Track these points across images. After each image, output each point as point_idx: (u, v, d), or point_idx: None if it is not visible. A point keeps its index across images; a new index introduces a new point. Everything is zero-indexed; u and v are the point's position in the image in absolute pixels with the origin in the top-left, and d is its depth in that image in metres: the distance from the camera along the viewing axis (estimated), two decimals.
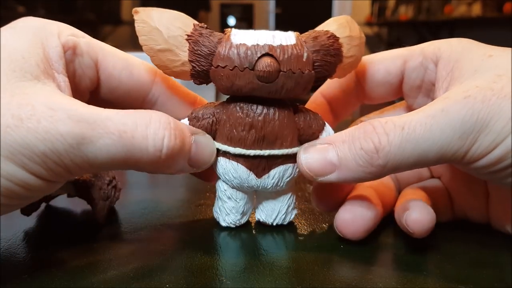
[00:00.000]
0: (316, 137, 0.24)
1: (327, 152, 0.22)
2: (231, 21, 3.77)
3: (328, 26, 0.23)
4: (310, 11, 3.52)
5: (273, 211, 0.26)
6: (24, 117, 0.18)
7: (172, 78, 0.25)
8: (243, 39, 0.22)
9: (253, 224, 0.27)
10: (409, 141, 0.20)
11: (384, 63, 0.27)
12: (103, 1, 2.95)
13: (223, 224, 0.26)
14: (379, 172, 0.21)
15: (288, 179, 0.24)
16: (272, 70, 0.21)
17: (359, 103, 0.30)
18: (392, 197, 0.28)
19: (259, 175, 0.24)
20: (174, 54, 0.22)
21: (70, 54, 0.22)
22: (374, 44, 3.18)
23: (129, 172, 0.39)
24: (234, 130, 0.23)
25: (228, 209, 0.26)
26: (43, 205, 0.29)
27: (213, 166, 0.25)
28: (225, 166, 0.24)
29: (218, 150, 0.24)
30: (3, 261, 0.22)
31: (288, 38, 0.22)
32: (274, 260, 0.22)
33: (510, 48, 0.22)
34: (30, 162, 0.18)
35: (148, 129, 0.20)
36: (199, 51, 0.22)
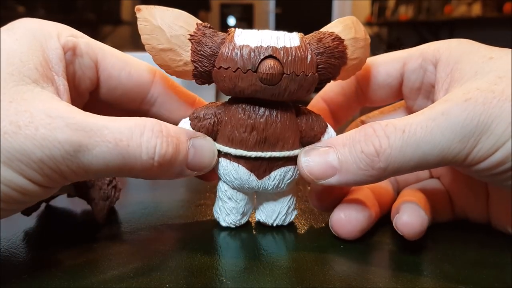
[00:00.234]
0: (318, 139, 0.24)
1: (328, 155, 0.22)
2: (231, 21, 3.77)
3: (333, 27, 0.23)
4: (310, 11, 3.52)
5: (273, 212, 0.26)
6: (22, 124, 0.18)
7: (172, 78, 0.25)
8: (247, 40, 0.22)
9: (253, 224, 0.27)
10: (410, 144, 0.20)
11: (384, 66, 0.27)
12: (103, 1, 2.95)
13: (223, 224, 0.26)
14: (380, 175, 0.21)
15: (289, 181, 0.24)
16: (275, 73, 0.21)
17: (360, 106, 0.30)
18: (389, 198, 0.28)
19: (260, 176, 0.24)
20: (176, 54, 0.22)
21: (70, 55, 0.22)
22: (374, 44, 3.18)
23: None
24: (236, 132, 0.23)
25: (228, 210, 0.26)
26: (43, 205, 0.29)
27: (214, 167, 0.25)
28: (226, 167, 0.24)
29: (219, 151, 0.24)
30: (3, 261, 0.22)
31: (292, 39, 0.22)
32: (274, 260, 0.22)
33: (510, 50, 0.22)
34: (27, 168, 0.18)
35: (142, 138, 0.20)
36: (202, 52, 0.22)
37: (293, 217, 0.27)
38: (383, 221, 0.27)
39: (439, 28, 2.96)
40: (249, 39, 0.22)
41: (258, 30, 0.22)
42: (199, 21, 0.23)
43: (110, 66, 0.24)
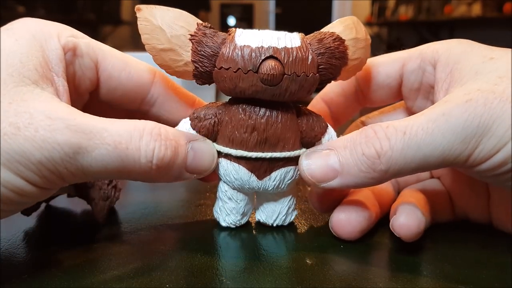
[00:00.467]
0: (319, 139, 0.24)
1: (329, 158, 0.22)
2: (231, 21, 3.77)
3: (334, 27, 0.23)
4: (310, 11, 3.52)
5: (274, 212, 0.26)
6: (21, 125, 0.18)
7: (172, 79, 0.25)
8: (248, 40, 0.22)
9: (253, 224, 0.27)
10: (411, 146, 0.20)
11: (383, 67, 0.27)
12: (103, 1, 2.95)
13: (223, 224, 0.26)
14: (381, 177, 0.21)
15: (289, 181, 0.24)
16: (276, 73, 0.21)
17: (360, 107, 0.30)
18: (389, 198, 0.28)
19: (260, 177, 0.24)
20: (177, 54, 0.22)
21: (70, 56, 0.22)
22: (374, 44, 3.17)
23: None
24: (236, 132, 0.23)
25: (228, 210, 0.26)
26: (43, 205, 0.29)
27: (216, 167, 0.25)
28: (226, 167, 0.24)
29: (219, 151, 0.24)
30: (3, 261, 0.22)
31: (293, 40, 0.22)
32: (274, 260, 0.22)
33: (511, 50, 0.22)
34: (25, 170, 0.18)
35: (141, 141, 0.20)
36: (202, 52, 0.22)
37: (293, 217, 0.27)
38: (383, 222, 0.27)
39: (439, 28, 2.96)
40: (250, 40, 0.22)
41: (259, 30, 0.22)
42: (200, 21, 0.23)
43: (110, 66, 0.24)
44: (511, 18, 2.33)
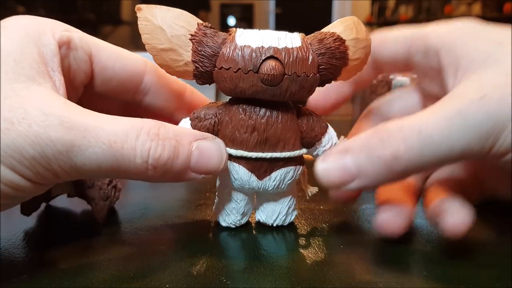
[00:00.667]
0: (319, 139, 0.24)
1: (345, 162, 0.21)
2: (231, 21, 3.77)
3: (334, 27, 0.23)
4: (310, 11, 3.52)
5: (274, 212, 0.26)
6: (15, 120, 0.18)
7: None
8: (248, 40, 0.22)
9: (253, 224, 0.27)
10: (428, 145, 0.20)
11: (391, 44, 0.27)
12: (103, 1, 2.95)
13: (223, 224, 0.26)
14: (400, 177, 0.21)
15: (289, 181, 0.24)
16: (276, 74, 0.21)
17: (377, 73, 0.30)
18: (415, 187, 0.27)
19: (260, 177, 0.24)
20: (177, 54, 0.22)
21: (65, 49, 0.22)
22: None
23: None
24: (237, 132, 0.23)
25: (228, 210, 0.26)
26: (43, 205, 0.29)
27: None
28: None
29: None
30: (3, 261, 0.22)
31: (293, 40, 0.22)
32: (274, 260, 0.22)
33: None
34: (19, 164, 0.18)
35: (137, 141, 0.20)
36: (202, 52, 0.22)
37: (293, 217, 0.27)
38: None
39: None
40: (250, 40, 0.22)
41: (259, 30, 0.22)
42: (200, 21, 0.23)
43: (105, 58, 0.24)
44: (511, 18, 2.33)
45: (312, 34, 0.23)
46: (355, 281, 0.20)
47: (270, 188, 0.24)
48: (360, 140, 0.22)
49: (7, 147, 0.18)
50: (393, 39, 0.27)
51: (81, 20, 2.63)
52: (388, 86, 0.55)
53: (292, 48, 0.22)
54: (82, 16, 2.72)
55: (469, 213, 0.22)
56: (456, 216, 0.22)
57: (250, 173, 0.24)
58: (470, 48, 0.22)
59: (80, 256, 0.22)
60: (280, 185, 0.24)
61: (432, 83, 0.26)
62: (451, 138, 0.19)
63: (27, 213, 0.27)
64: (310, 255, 0.23)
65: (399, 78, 0.54)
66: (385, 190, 0.26)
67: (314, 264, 0.22)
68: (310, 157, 0.26)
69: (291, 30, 0.23)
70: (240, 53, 0.21)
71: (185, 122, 0.24)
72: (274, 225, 0.26)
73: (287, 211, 0.26)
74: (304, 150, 0.24)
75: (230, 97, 0.24)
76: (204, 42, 0.22)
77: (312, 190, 0.28)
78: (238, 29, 0.23)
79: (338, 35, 0.23)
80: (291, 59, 0.21)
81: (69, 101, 0.20)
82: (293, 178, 0.24)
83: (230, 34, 0.22)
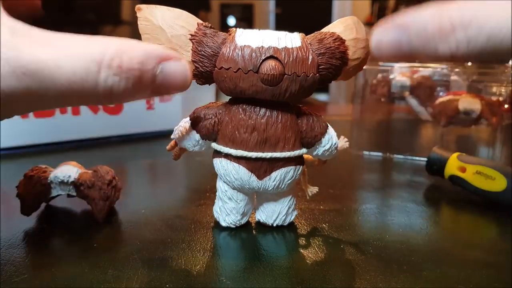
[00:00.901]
0: (319, 140, 0.24)
1: (401, 41, 0.19)
2: (231, 21, 3.77)
3: (334, 27, 0.23)
4: (310, 11, 3.52)
5: (274, 212, 0.26)
6: None
7: None
8: (248, 40, 0.22)
9: (253, 224, 0.27)
10: (492, 49, 0.17)
11: None
12: (103, 1, 2.95)
13: (223, 224, 0.26)
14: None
15: (289, 181, 0.24)
16: (276, 74, 0.21)
17: None
18: None
19: (260, 177, 0.24)
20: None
21: None
22: None
23: (129, 172, 0.39)
24: (237, 132, 0.23)
25: (228, 210, 0.26)
26: (43, 205, 0.29)
27: (216, 167, 0.25)
28: (226, 167, 0.24)
29: (220, 151, 0.24)
30: (3, 261, 0.22)
31: (293, 40, 0.22)
32: (274, 260, 0.22)
33: None
34: None
35: (98, 76, 0.18)
36: (202, 52, 0.22)
37: (293, 217, 0.27)
38: (382, 221, 0.28)
39: None
40: (250, 40, 0.22)
41: (259, 30, 0.22)
42: (200, 21, 0.23)
43: None
44: None
45: (312, 34, 0.23)
46: (355, 281, 0.20)
47: (270, 188, 0.24)
48: (420, 22, 0.19)
49: None
50: None
51: (81, 20, 2.63)
52: (388, 86, 0.55)
53: (292, 48, 0.22)
54: (82, 16, 2.72)
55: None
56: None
57: (250, 173, 0.24)
58: None
59: (80, 256, 0.22)
60: (280, 185, 0.24)
61: None
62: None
63: (27, 213, 0.27)
64: (310, 255, 0.23)
65: (399, 78, 0.54)
66: None
67: (314, 264, 0.22)
68: (310, 157, 0.26)
69: (291, 30, 0.23)
70: (240, 53, 0.21)
71: (185, 122, 0.24)
72: (274, 225, 0.26)
73: (287, 211, 0.26)
74: (304, 150, 0.24)
75: (230, 97, 0.24)
76: (204, 42, 0.22)
77: (312, 190, 0.28)
78: (238, 29, 0.23)
79: (338, 35, 0.23)
80: (291, 59, 0.21)
81: (15, 24, 0.17)
82: (293, 178, 0.24)
83: (230, 34, 0.22)
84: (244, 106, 0.23)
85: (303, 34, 0.23)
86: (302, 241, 0.25)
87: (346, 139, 0.26)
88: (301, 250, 0.24)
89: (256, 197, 0.27)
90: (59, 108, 0.22)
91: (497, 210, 0.30)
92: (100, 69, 0.18)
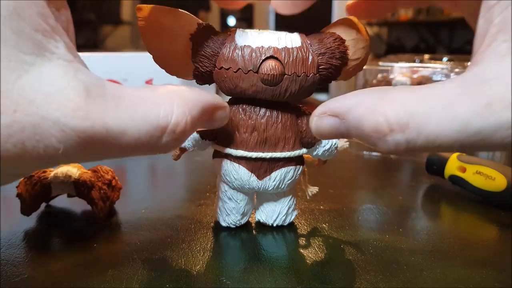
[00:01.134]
0: (319, 140, 0.24)
1: (338, 127, 0.18)
2: (231, 21, 3.77)
3: (334, 27, 0.23)
4: (310, 11, 3.51)
5: (274, 213, 0.26)
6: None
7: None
8: (248, 40, 0.22)
9: (253, 224, 0.27)
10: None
11: None
12: (103, 1, 2.95)
13: (223, 224, 0.26)
14: None
15: (289, 181, 0.24)
16: (276, 74, 0.21)
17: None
18: None
19: (260, 177, 0.24)
20: (177, 54, 0.22)
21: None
22: (374, 44, 3.18)
23: (129, 172, 0.39)
24: (237, 132, 0.23)
25: (228, 210, 0.26)
26: (43, 205, 0.29)
27: (216, 167, 0.25)
28: (226, 167, 0.24)
29: (220, 151, 0.24)
30: (3, 261, 0.22)
31: (293, 40, 0.22)
32: (274, 260, 0.22)
33: None
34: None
35: (160, 141, 0.17)
36: (202, 52, 0.22)
37: (293, 217, 0.27)
38: (382, 221, 0.28)
39: (439, 28, 2.96)
40: (250, 40, 0.22)
41: (259, 30, 0.22)
42: (200, 21, 0.23)
43: None
44: None
45: (312, 34, 0.23)
46: (355, 281, 0.20)
47: (270, 188, 0.24)
48: (356, 117, 0.18)
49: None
50: None
51: (81, 20, 2.63)
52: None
53: (292, 48, 0.22)
54: (82, 16, 2.72)
55: None
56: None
57: (250, 173, 0.24)
58: None
59: (80, 256, 0.22)
60: (280, 185, 0.24)
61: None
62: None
63: (27, 213, 0.27)
64: (310, 255, 0.23)
65: (399, 78, 0.54)
66: None
67: (314, 264, 0.22)
68: (310, 157, 0.26)
69: (291, 30, 0.23)
70: (240, 53, 0.21)
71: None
72: (274, 225, 0.26)
73: (287, 211, 0.26)
74: (304, 150, 0.24)
75: (230, 97, 0.24)
76: (204, 42, 0.22)
77: (312, 190, 0.28)
78: (238, 29, 0.23)
79: (338, 35, 0.23)
80: (291, 59, 0.21)
81: (89, 81, 0.15)
82: (293, 178, 0.24)
83: (230, 34, 0.22)
84: (244, 106, 0.23)
85: (303, 34, 0.23)
86: (302, 241, 0.25)
87: (346, 139, 0.26)
88: (301, 250, 0.24)
89: (256, 197, 0.27)
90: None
91: (497, 210, 0.30)
92: (162, 135, 0.17)
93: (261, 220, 0.27)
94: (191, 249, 0.23)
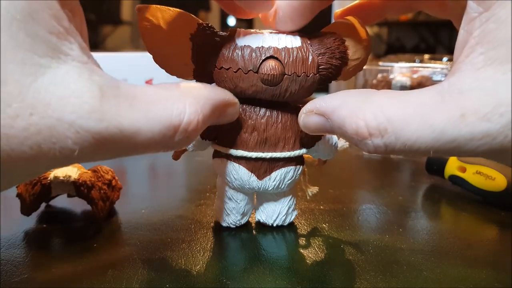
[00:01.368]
0: (319, 139, 0.24)
1: (324, 124, 0.20)
2: (231, 21, 3.77)
3: (334, 27, 0.23)
4: None
5: (274, 212, 0.26)
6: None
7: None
8: (248, 40, 0.22)
9: (253, 224, 0.27)
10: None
11: None
12: (103, 1, 2.95)
13: (223, 224, 0.26)
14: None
15: (289, 181, 0.24)
16: (276, 74, 0.21)
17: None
18: None
19: (260, 177, 0.24)
20: (177, 54, 0.22)
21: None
22: (374, 44, 3.18)
23: (129, 172, 0.39)
24: (237, 132, 0.23)
25: (228, 210, 0.26)
26: (43, 205, 0.29)
27: (216, 167, 0.25)
28: (226, 167, 0.24)
29: (220, 151, 0.24)
30: (3, 261, 0.22)
31: (293, 40, 0.22)
32: (274, 260, 0.22)
33: None
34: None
35: (173, 139, 0.17)
36: (202, 52, 0.22)
37: (293, 217, 0.27)
38: (382, 221, 0.28)
39: (439, 28, 2.96)
40: (250, 40, 0.22)
41: (259, 30, 0.22)
42: (200, 21, 0.23)
43: None
44: None
45: (312, 34, 0.23)
46: (355, 281, 0.20)
47: (270, 188, 0.24)
48: (339, 119, 0.19)
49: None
50: None
51: None
52: (388, 86, 0.55)
53: (292, 48, 0.22)
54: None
55: None
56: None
57: (250, 173, 0.24)
58: (500, 26, 0.16)
59: (80, 256, 0.22)
60: (280, 185, 0.24)
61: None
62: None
63: (27, 213, 0.27)
64: (310, 255, 0.23)
65: (399, 78, 0.54)
66: None
67: (314, 264, 0.22)
68: (310, 157, 0.26)
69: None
70: (240, 53, 0.21)
71: None
72: (274, 225, 0.26)
73: (287, 211, 0.26)
74: (304, 150, 0.24)
75: None
76: (204, 42, 0.22)
77: (312, 190, 0.28)
78: (238, 29, 0.23)
79: (338, 35, 0.23)
80: (291, 59, 0.21)
81: (103, 81, 0.15)
82: (293, 178, 0.24)
83: (230, 34, 0.22)
84: (244, 106, 0.23)
85: (303, 34, 0.23)
86: (302, 241, 0.25)
87: (345, 140, 0.26)
88: (301, 250, 0.24)
89: (256, 197, 0.27)
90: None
91: (497, 210, 0.30)
92: (175, 134, 0.17)
93: (261, 220, 0.27)
94: (191, 249, 0.23)
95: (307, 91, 0.23)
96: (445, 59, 0.73)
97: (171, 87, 0.18)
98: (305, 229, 0.27)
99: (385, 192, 0.34)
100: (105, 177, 0.28)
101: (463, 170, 0.33)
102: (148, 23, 0.22)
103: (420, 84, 0.52)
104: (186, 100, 0.18)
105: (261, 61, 0.21)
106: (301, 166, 0.25)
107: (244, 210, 0.26)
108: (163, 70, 0.23)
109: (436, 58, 0.77)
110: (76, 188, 0.27)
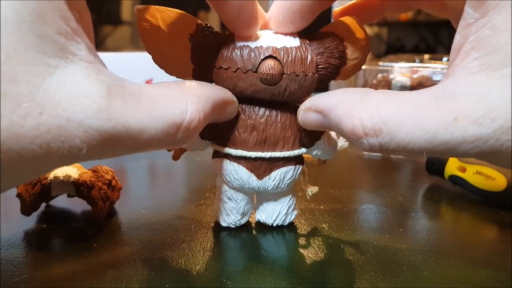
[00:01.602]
0: (318, 139, 0.24)
1: (322, 121, 0.20)
2: None
3: (333, 27, 0.23)
4: None
5: (273, 212, 0.26)
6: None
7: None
8: (247, 40, 0.22)
9: (253, 224, 0.27)
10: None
11: None
12: (103, 1, 2.95)
13: (223, 224, 0.26)
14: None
15: (289, 181, 0.24)
16: (275, 73, 0.21)
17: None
18: None
19: (260, 177, 0.24)
20: (176, 54, 0.22)
21: None
22: (374, 44, 3.18)
23: (129, 172, 0.39)
24: (236, 132, 0.23)
25: (228, 210, 0.26)
26: (43, 205, 0.29)
27: (215, 167, 0.25)
28: (226, 167, 0.24)
29: (219, 151, 0.24)
30: (3, 261, 0.22)
31: (292, 39, 0.22)
32: (274, 260, 0.22)
33: None
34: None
35: (175, 137, 0.18)
36: (201, 52, 0.22)
37: (293, 217, 0.27)
38: (382, 221, 0.28)
39: (439, 28, 2.96)
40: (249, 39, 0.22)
41: (259, 31, 0.22)
42: (199, 21, 0.23)
43: None
44: None
45: (311, 34, 0.23)
46: (355, 281, 0.20)
47: (270, 188, 0.24)
48: (336, 118, 0.19)
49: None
50: None
51: None
52: (388, 86, 0.55)
53: (291, 48, 0.22)
54: None
55: None
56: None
57: (249, 172, 0.24)
58: (497, 34, 0.16)
59: (80, 256, 0.22)
60: (280, 185, 0.24)
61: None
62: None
63: (27, 213, 0.27)
64: (310, 255, 0.23)
65: (399, 78, 0.54)
66: None
67: (314, 264, 0.22)
68: (310, 157, 0.26)
69: None
70: (239, 52, 0.21)
71: None
72: (274, 225, 0.26)
73: (287, 211, 0.26)
74: (303, 150, 0.24)
75: None
76: (203, 42, 0.22)
77: (312, 190, 0.28)
78: None
79: (337, 35, 0.23)
80: (289, 59, 0.21)
81: (110, 80, 0.16)
82: (293, 177, 0.24)
83: (229, 34, 0.22)
84: (243, 106, 0.23)
85: (302, 34, 0.23)
86: (302, 241, 0.25)
87: (345, 140, 0.26)
88: (301, 250, 0.24)
89: (256, 197, 0.27)
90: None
91: (497, 210, 0.30)
92: (177, 132, 0.18)
93: (261, 220, 0.27)
94: (191, 249, 0.23)
95: (306, 90, 0.23)
96: (445, 59, 0.73)
97: (173, 85, 0.18)
98: (305, 229, 0.27)
99: (385, 192, 0.34)
100: (105, 177, 0.28)
101: (463, 170, 0.33)
102: (147, 24, 0.22)
103: (420, 84, 0.53)
104: (188, 99, 0.18)
105: (260, 60, 0.21)
106: (301, 166, 0.25)
107: (244, 210, 0.26)
108: (163, 70, 0.23)
109: (436, 58, 0.77)
110: (76, 188, 0.27)
